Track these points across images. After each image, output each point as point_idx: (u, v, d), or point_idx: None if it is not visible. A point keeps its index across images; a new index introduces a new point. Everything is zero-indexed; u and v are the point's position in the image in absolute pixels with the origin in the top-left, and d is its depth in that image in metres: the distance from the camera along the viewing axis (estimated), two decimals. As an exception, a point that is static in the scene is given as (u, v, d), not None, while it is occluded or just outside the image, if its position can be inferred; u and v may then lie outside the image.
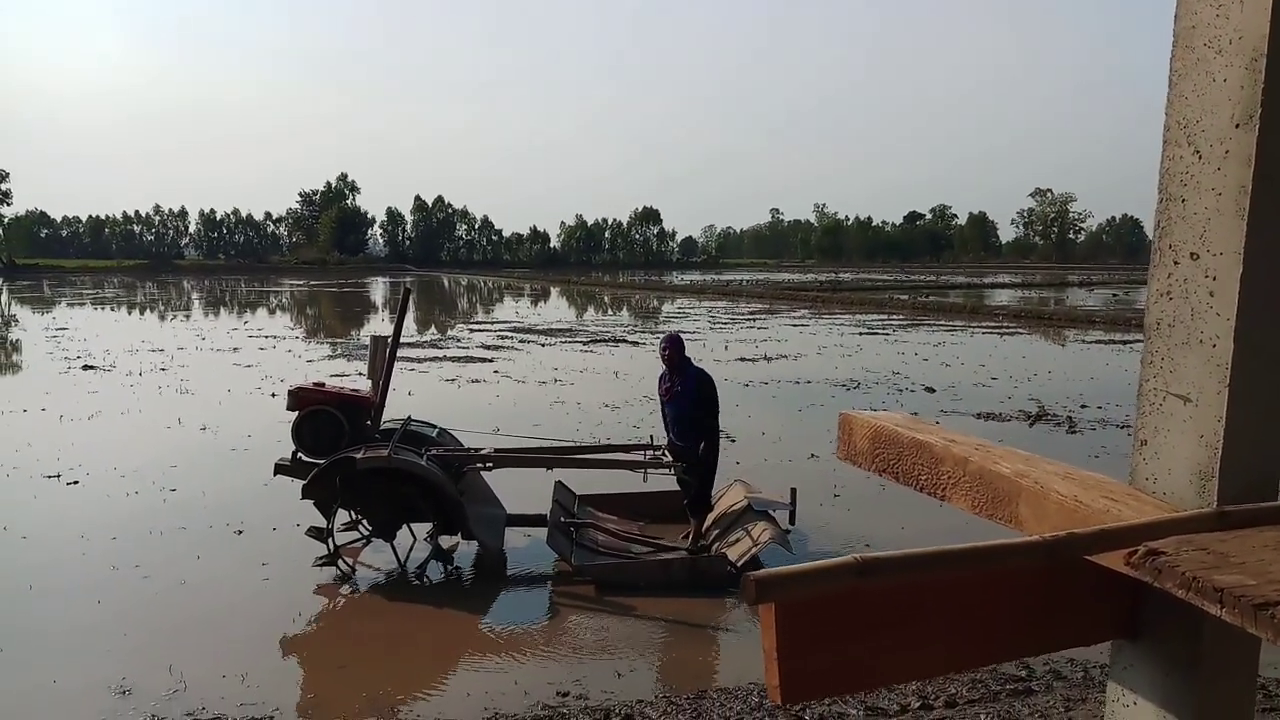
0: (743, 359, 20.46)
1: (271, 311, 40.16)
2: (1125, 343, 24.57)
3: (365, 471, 6.67)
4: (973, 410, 13.95)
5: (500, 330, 28.33)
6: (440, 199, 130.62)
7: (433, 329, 29.61)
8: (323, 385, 7.30)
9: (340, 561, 6.87)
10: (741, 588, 0.99)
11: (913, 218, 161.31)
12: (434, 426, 7.95)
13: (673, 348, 7.46)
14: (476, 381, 16.94)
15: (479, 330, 28.22)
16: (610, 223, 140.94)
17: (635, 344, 24.17)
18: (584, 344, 24.15)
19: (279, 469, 7.20)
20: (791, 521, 7.36)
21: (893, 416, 1.73)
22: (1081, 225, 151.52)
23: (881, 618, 1.11)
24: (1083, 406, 14.35)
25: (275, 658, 5.68)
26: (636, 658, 5.66)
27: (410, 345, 23.58)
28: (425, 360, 20.30)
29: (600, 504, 8.30)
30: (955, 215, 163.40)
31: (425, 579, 6.94)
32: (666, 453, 7.59)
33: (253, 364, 19.52)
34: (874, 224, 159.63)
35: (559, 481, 8.09)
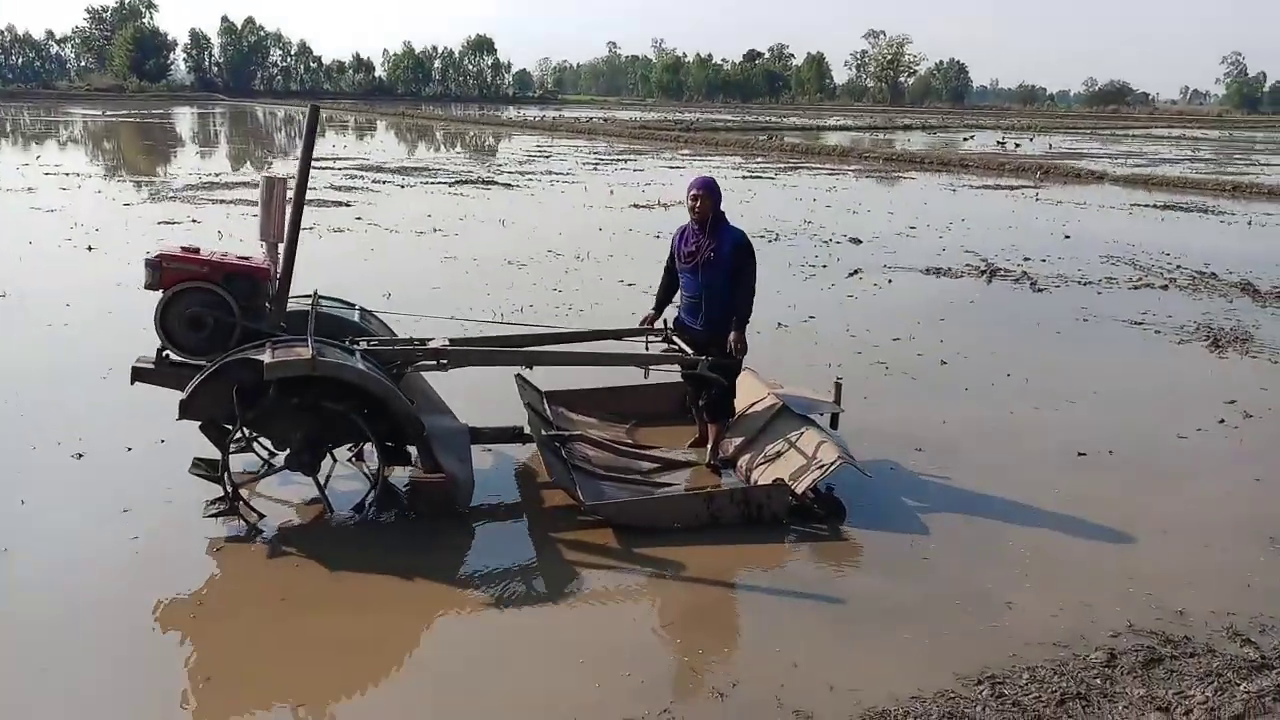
0: (636, 205, 18.49)
1: (63, 144, 34.87)
2: (1012, 188, 23.91)
3: (276, 381, 4.56)
4: (915, 265, 12.62)
5: (346, 169, 25.12)
6: (250, 20, 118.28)
7: (256, 165, 26.02)
8: (197, 251, 5.01)
9: (242, 506, 4.82)
10: None
11: (751, 56, 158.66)
12: (351, 305, 5.80)
13: (708, 197, 5.51)
14: (339, 231, 14.37)
15: (321, 168, 24.86)
16: (441, 51, 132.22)
17: (509, 186, 21.69)
18: (449, 185, 21.51)
19: (138, 374, 4.95)
20: (834, 426, 5.73)
21: None
22: (915, 69, 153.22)
23: None
24: (1025, 259, 13.28)
25: (166, 684, 3.68)
26: (682, 636, 3.97)
27: (240, 185, 20.43)
28: (269, 204, 17.33)
29: (573, 403, 6.44)
30: (793, 55, 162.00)
31: (356, 518, 4.96)
32: (675, 339, 5.77)
33: (56, 208, 16.07)
34: (713, 62, 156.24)
35: (519, 376, 6.16)
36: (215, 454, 4.81)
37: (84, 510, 5.03)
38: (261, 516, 4.93)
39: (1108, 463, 6.02)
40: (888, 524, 5.07)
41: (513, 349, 5.60)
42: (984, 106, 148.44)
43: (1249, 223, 18.14)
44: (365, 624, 4.08)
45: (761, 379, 6.23)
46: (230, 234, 13.44)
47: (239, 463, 5.21)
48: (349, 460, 5.61)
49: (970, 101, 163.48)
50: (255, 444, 5.37)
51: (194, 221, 14.75)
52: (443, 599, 4.30)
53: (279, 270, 4.99)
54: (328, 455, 5.19)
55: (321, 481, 5.04)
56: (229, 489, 4.76)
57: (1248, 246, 15.15)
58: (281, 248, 5.11)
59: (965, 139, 49.41)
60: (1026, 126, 67.56)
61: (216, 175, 22.56)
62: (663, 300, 5.90)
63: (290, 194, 5.03)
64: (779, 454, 5.43)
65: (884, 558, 4.72)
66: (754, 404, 5.99)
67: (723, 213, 5.58)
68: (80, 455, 5.69)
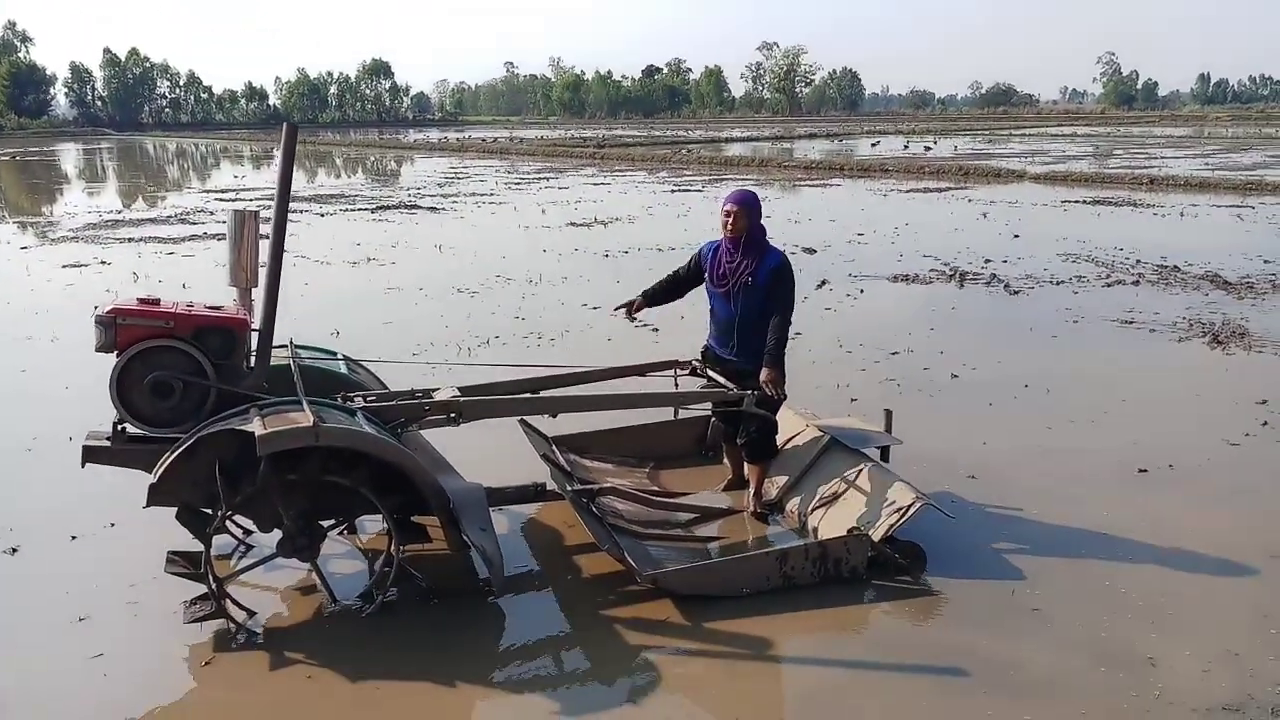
0: (574, 224, 17.80)
1: (-59, 186, 32.61)
2: (940, 190, 23.94)
3: (269, 455, 3.76)
4: (880, 273, 12.23)
5: (256, 199, 23.82)
6: (135, 52, 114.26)
7: (150, 201, 24.51)
8: (157, 302, 4.19)
9: (228, 605, 3.99)
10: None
11: (650, 72, 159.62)
12: (334, 354, 5.03)
13: (744, 214, 4.89)
14: (265, 265, 13.32)
15: (229, 199, 23.54)
16: (336, 76, 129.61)
17: (435, 210, 20.76)
18: (371, 212, 20.48)
19: (91, 455, 4.09)
20: (884, 458, 5.16)
21: None
22: (812, 78, 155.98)
23: None
24: (986, 261, 13.01)
25: None
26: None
27: (146, 222, 19.14)
28: (181, 240, 16.19)
29: (583, 448, 5.73)
30: (690, 70, 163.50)
31: (367, 609, 4.16)
32: (709, 372, 5.13)
33: (-58, 256, 14.69)
34: (613, 78, 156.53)
35: (524, 421, 5.44)
36: (186, 541, 4.00)
37: (30, 621, 4.14)
38: (251, 614, 4.11)
39: (1172, 479, 5.56)
40: (976, 570, 4.49)
41: (530, 395, 4.88)
42: (879, 113, 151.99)
43: (1180, 214, 18.32)
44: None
45: (796, 409, 5.62)
46: (146, 275, 12.35)
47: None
48: (340, 533, 4.84)
49: (865, 108, 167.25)
50: (230, 521, 4.54)
51: (103, 263, 13.55)
52: (503, 711, 3.55)
53: (262, 318, 4.21)
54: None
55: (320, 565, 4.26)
56: (213, 586, 3.93)
57: (1191, 238, 15.19)
58: (258, 294, 4.36)
59: (873, 144, 49.96)
60: (926, 130, 68.94)
61: (118, 213, 21.12)
62: (652, 297, 5.27)
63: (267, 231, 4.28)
64: (836, 496, 4.83)
65: (989, 613, 4.13)
66: (793, 438, 5.38)
67: (763, 229, 4.98)
68: (14, 550, 4.77)
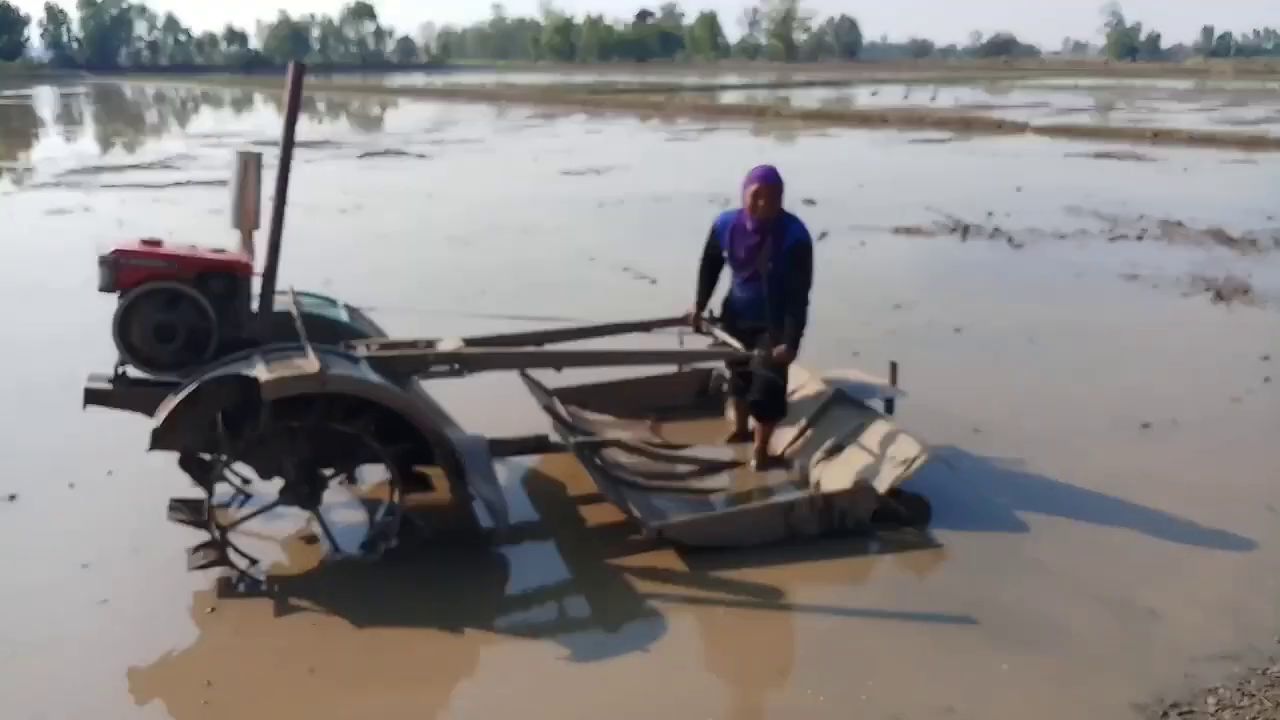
0: (568, 172, 17.61)
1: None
2: (942, 141, 23.75)
3: (272, 401, 3.70)
4: (882, 224, 12.13)
5: (239, 144, 23.47)
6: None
7: (130, 148, 24.20)
8: (159, 244, 4.10)
9: (232, 553, 3.95)
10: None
11: (643, 16, 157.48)
12: (334, 301, 4.96)
13: (773, 195, 4.69)
14: (257, 211, 13.16)
15: (214, 145, 23.16)
16: (319, 19, 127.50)
17: (424, 156, 20.51)
18: (359, 159, 20.22)
19: (93, 397, 4.03)
20: (889, 411, 5.13)
21: None
22: (809, 25, 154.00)
23: None
24: (989, 213, 12.91)
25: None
26: (810, 684, 3.33)
27: (130, 168, 18.87)
28: (165, 186, 15.98)
29: (585, 400, 5.68)
30: (684, 14, 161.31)
31: (368, 557, 4.12)
32: (714, 330, 5.07)
33: (-74, 198, 14.47)
34: (604, 22, 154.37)
35: (525, 373, 5.36)
36: (186, 488, 3.97)
37: (33, 568, 4.10)
38: (254, 562, 4.08)
39: (1174, 433, 5.56)
40: (980, 523, 4.49)
41: (535, 349, 4.82)
42: (877, 62, 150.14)
43: (1184, 169, 18.21)
44: (427, 700, 3.31)
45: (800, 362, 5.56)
46: (131, 222, 12.14)
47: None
48: (340, 482, 4.79)
49: (863, 57, 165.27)
50: (229, 470, 4.49)
51: (86, 210, 13.36)
52: (510, 657, 3.54)
53: (265, 261, 4.12)
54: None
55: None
56: (216, 533, 3.90)
57: (1194, 192, 15.10)
58: (260, 236, 4.28)
59: (872, 94, 49.48)
60: (927, 80, 68.26)
61: (100, 159, 20.83)
62: (705, 294, 5.12)
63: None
64: (841, 448, 4.80)
65: (993, 565, 4.12)
66: (797, 390, 5.33)
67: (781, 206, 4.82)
68: (13, 497, 4.71)
